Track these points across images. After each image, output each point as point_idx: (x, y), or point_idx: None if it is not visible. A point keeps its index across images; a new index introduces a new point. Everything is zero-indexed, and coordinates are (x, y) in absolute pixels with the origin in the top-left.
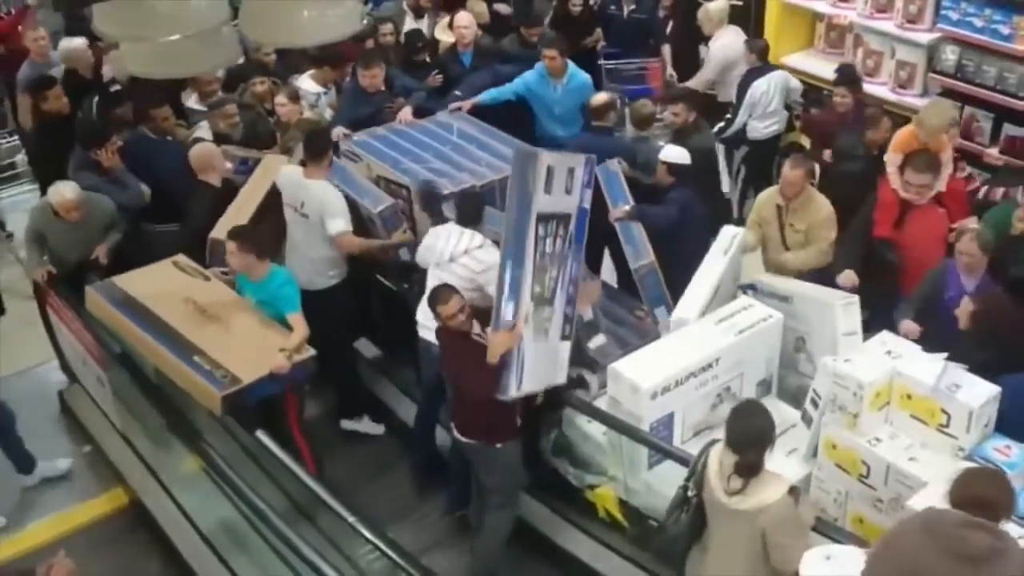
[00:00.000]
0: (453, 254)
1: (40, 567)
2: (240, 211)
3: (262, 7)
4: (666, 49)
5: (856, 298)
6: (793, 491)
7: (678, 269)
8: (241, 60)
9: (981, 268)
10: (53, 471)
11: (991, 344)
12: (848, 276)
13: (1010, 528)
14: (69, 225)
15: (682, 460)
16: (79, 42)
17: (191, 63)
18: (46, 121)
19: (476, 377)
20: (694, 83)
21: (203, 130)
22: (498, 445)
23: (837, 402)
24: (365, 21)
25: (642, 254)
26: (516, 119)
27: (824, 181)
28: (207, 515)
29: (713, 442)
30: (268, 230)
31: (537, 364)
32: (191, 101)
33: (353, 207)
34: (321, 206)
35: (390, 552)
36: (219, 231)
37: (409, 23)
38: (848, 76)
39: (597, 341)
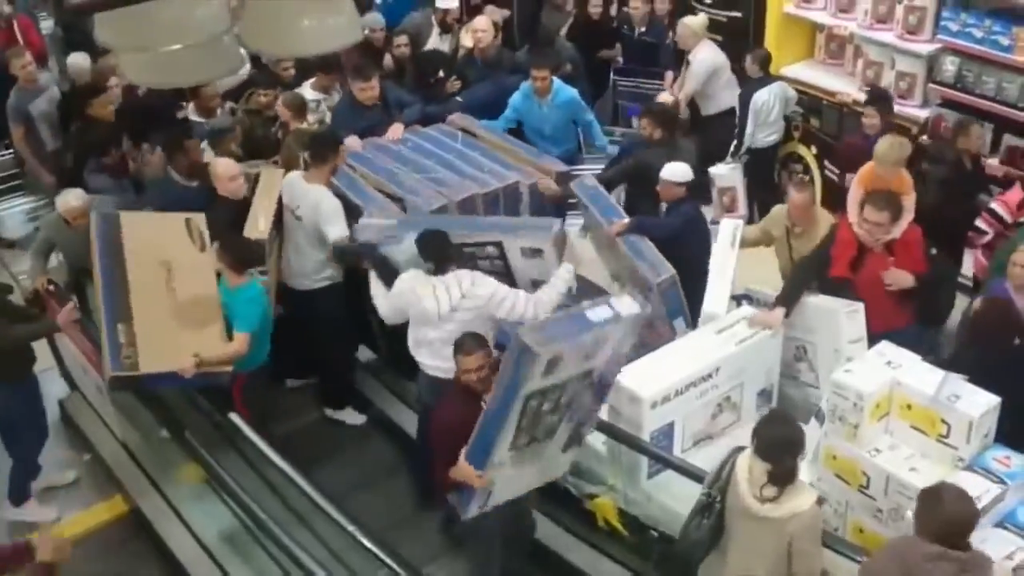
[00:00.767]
0: (453, 305)
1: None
2: (259, 217)
3: (261, 16)
4: (669, 75)
5: (860, 305)
6: (820, 501)
7: (687, 285)
8: (247, 67)
9: None
10: (62, 480)
11: (989, 349)
12: (775, 315)
13: (1008, 537)
14: (80, 235)
15: (682, 469)
16: (83, 58)
17: (192, 73)
18: (88, 124)
19: (452, 459)
20: (683, 94)
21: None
22: None
23: (837, 413)
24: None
25: (660, 268)
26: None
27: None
28: (206, 523)
29: (739, 449)
30: (252, 243)
31: (519, 482)
32: (190, 113)
33: (358, 214)
34: (316, 211)
35: (390, 562)
36: (250, 230)
37: (434, 39)
38: (878, 96)
39: None
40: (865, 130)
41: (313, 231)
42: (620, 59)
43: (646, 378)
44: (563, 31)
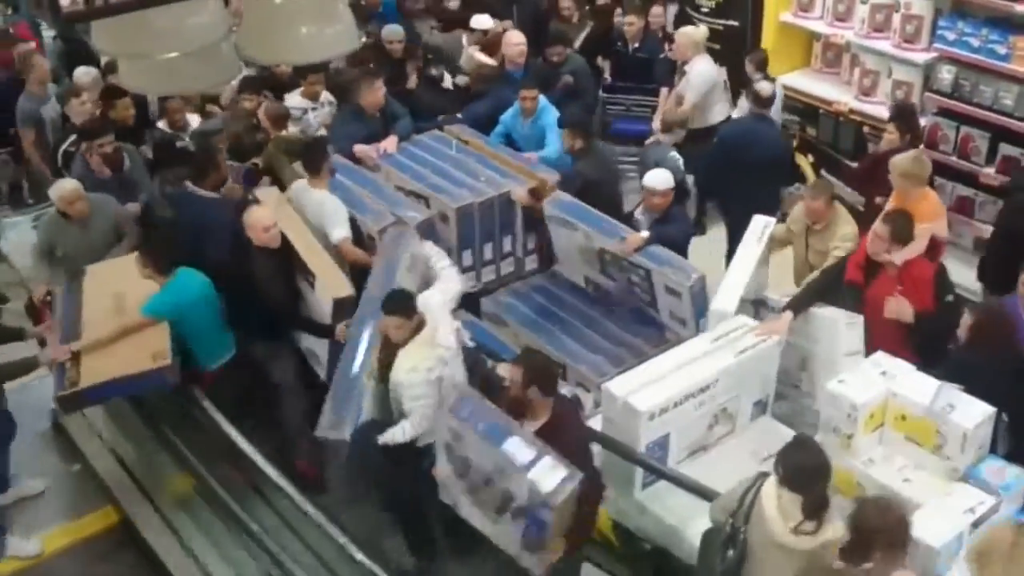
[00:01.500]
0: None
1: None
2: (316, 256)
3: (258, 24)
4: (663, 92)
5: (860, 318)
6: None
7: None
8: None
9: None
10: (30, 491)
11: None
12: (782, 321)
13: None
14: (77, 230)
15: (677, 481)
16: (93, 71)
17: (188, 80)
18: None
19: None
20: (681, 113)
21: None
22: None
23: (831, 423)
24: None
25: (689, 270)
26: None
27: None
28: (197, 534)
29: (764, 475)
30: (167, 244)
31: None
32: (163, 126)
33: (353, 225)
34: (320, 214)
35: (378, 571)
36: (335, 289)
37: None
38: (900, 111)
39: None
40: (885, 146)
41: (319, 233)
42: (608, 76)
43: (643, 389)
44: (577, 43)
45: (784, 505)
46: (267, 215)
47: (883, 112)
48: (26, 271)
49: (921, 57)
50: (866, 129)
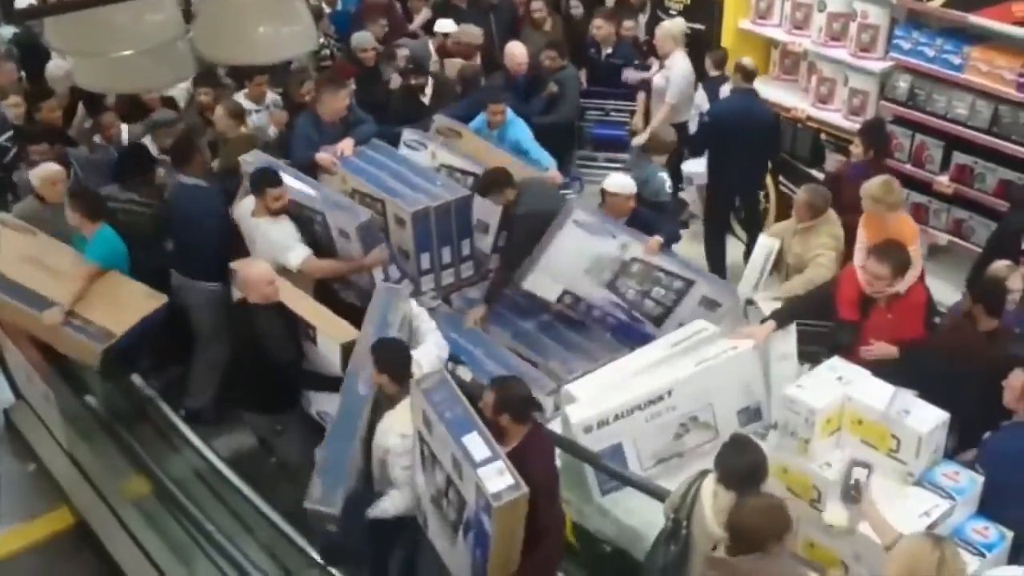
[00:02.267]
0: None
1: None
2: (306, 304)
3: (215, 23)
4: (642, 96)
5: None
6: None
7: None
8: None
9: None
10: None
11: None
12: (762, 330)
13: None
14: (50, 214)
15: (639, 486)
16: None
17: (142, 79)
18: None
19: None
20: (664, 110)
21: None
22: None
23: (789, 427)
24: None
25: (729, 287)
26: None
27: None
28: (153, 535)
29: (704, 473)
30: (98, 195)
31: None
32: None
33: (315, 224)
34: (271, 249)
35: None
36: (339, 335)
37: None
38: (870, 127)
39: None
40: (851, 159)
41: (273, 263)
42: (584, 83)
43: (585, 400)
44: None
45: (720, 503)
46: (267, 268)
47: (839, 120)
48: None
49: (877, 66)
50: (823, 136)
